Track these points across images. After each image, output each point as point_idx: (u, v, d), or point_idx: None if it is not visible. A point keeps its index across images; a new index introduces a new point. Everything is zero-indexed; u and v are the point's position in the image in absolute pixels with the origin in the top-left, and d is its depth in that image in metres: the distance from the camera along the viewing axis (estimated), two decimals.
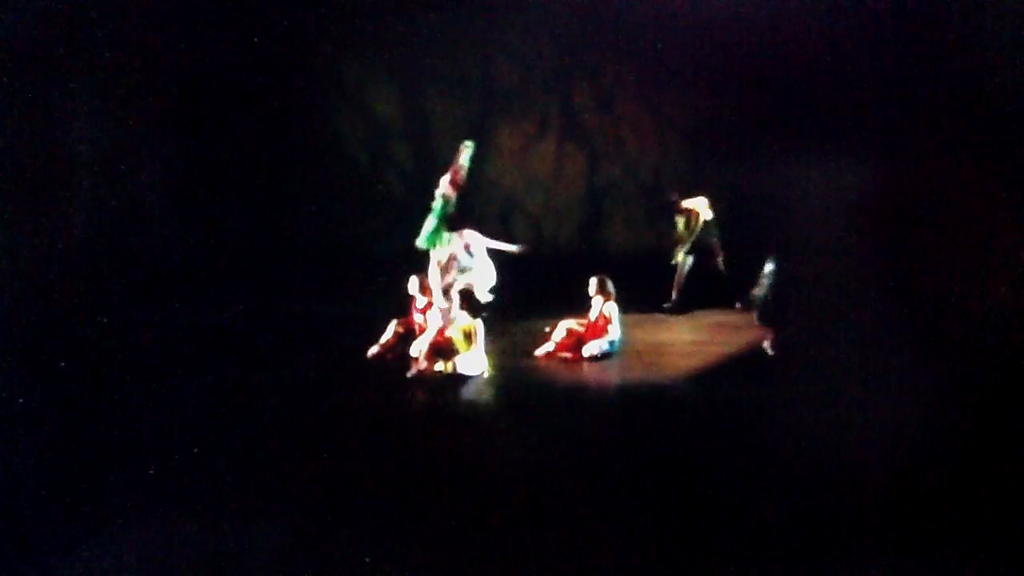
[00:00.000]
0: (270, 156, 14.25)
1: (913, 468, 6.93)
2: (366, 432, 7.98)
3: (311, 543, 6.12)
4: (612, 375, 9.46)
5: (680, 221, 11.41)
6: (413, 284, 9.67)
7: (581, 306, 10.04)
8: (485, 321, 9.38)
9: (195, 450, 7.52)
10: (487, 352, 9.37)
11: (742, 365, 9.59)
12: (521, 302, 11.31)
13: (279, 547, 6.09)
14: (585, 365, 9.64)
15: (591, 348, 9.75)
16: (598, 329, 9.86)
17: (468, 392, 8.95)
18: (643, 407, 8.67)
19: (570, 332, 9.87)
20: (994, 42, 10.91)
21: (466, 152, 9.60)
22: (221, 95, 13.82)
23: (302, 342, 10.60)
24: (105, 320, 10.97)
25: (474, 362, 9.27)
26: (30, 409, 8.38)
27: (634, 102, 14.28)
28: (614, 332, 9.84)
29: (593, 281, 9.95)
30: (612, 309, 9.87)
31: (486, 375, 9.25)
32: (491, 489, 6.80)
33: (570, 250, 14.05)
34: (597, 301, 9.91)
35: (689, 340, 10.20)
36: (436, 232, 9.54)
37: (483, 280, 9.67)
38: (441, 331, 9.34)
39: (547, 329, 10.07)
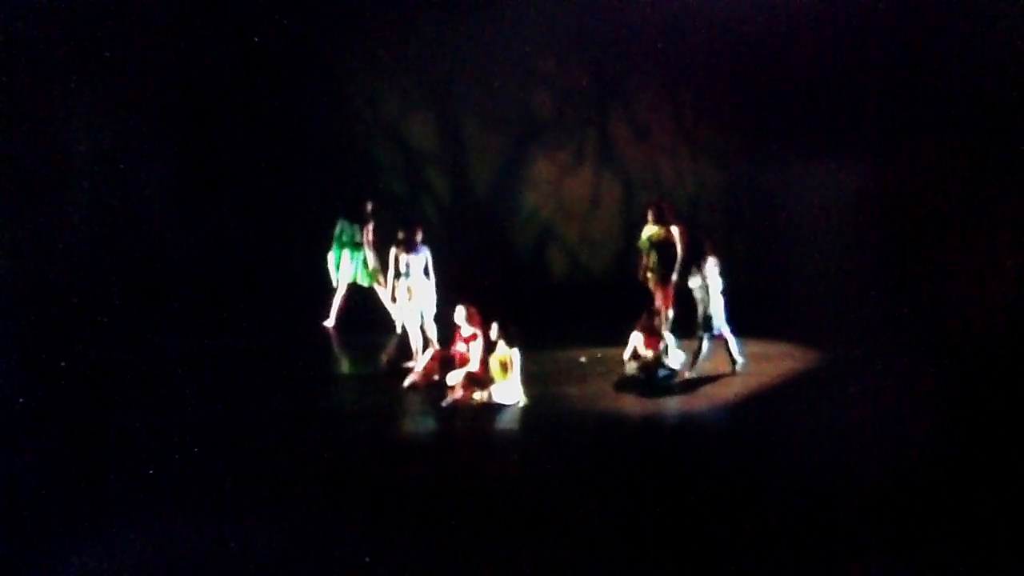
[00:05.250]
0: (295, 177, 13.98)
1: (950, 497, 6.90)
2: (400, 459, 7.85)
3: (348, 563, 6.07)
4: (647, 405, 9.28)
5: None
6: (459, 313, 9.39)
7: (618, 336, 9.92)
8: (521, 351, 9.17)
9: (195, 450, 7.53)
10: (523, 382, 9.16)
11: (778, 394, 9.47)
12: (557, 332, 11.18)
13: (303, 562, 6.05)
14: (617, 394, 9.47)
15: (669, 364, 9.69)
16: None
17: (503, 421, 8.80)
18: (679, 436, 8.65)
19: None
20: (994, 42, 10.94)
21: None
22: (223, 96, 13.73)
23: (337, 367, 10.70)
24: (105, 320, 10.93)
25: (510, 391, 9.08)
26: (30, 409, 8.34)
27: (670, 132, 14.06)
28: (675, 360, 9.75)
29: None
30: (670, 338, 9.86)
31: (521, 404, 9.06)
32: (526, 518, 6.68)
33: (606, 280, 13.76)
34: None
35: (727, 369, 9.93)
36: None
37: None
38: (482, 362, 9.17)
39: (582, 359, 10.22)
